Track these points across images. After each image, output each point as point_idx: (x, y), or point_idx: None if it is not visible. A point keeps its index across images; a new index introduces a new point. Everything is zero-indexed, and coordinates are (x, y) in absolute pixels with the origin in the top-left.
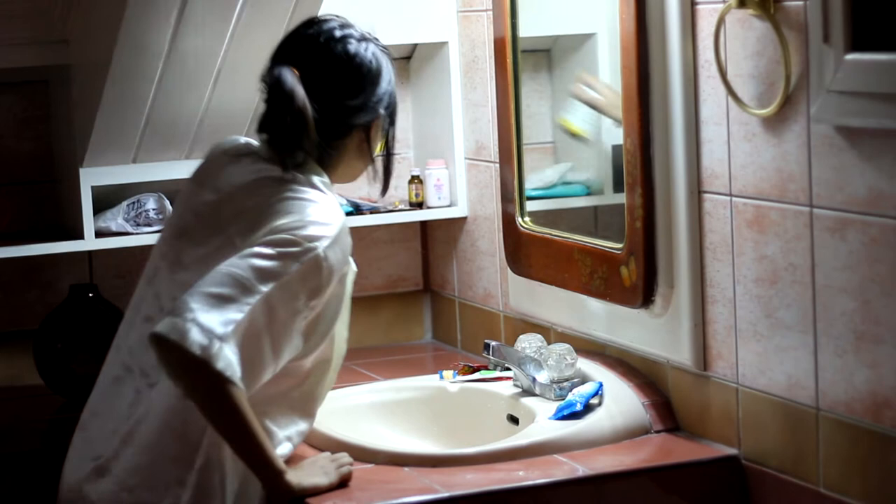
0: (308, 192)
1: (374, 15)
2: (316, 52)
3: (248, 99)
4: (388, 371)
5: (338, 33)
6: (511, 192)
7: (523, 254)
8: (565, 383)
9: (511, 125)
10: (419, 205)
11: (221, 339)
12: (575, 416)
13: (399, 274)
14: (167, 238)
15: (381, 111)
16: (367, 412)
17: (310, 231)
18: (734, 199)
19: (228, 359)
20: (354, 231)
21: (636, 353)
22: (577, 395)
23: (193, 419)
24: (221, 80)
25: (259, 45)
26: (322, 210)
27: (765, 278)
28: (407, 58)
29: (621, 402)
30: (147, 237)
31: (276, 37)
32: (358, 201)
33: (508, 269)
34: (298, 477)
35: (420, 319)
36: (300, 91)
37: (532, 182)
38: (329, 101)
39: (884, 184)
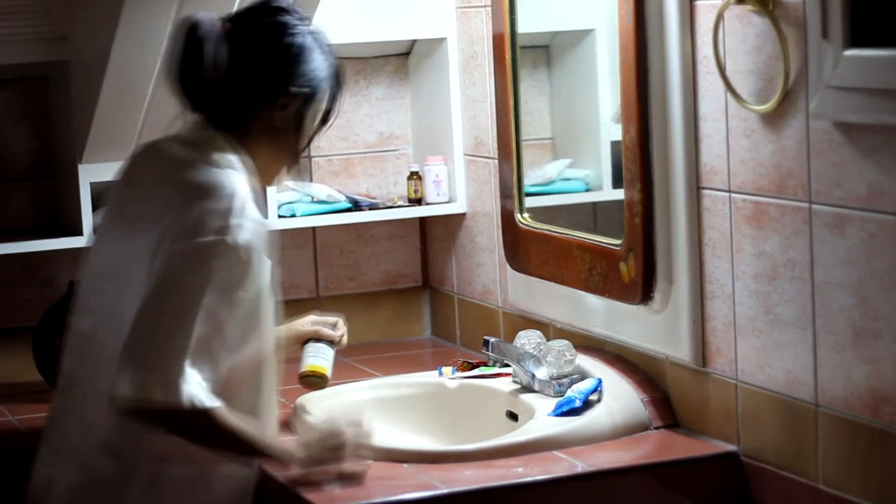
0: (212, 173)
1: (373, 11)
2: (251, 14)
3: None
4: (387, 367)
5: (282, 3)
6: (510, 189)
7: (522, 250)
8: (564, 379)
9: (510, 121)
10: (418, 201)
11: (178, 373)
12: (574, 412)
13: (398, 270)
14: (96, 240)
15: (299, 89)
16: (366, 408)
17: (219, 223)
18: (733, 195)
19: (192, 390)
20: (353, 227)
21: (635, 350)
22: (576, 391)
23: (130, 436)
24: None
25: None
26: (226, 193)
27: (764, 274)
28: (405, 54)
29: (620, 398)
30: None
31: None
32: (357, 197)
33: (507, 266)
34: (308, 461)
35: (419, 316)
36: (215, 33)
37: (531, 178)
38: (245, 57)
39: (882, 180)
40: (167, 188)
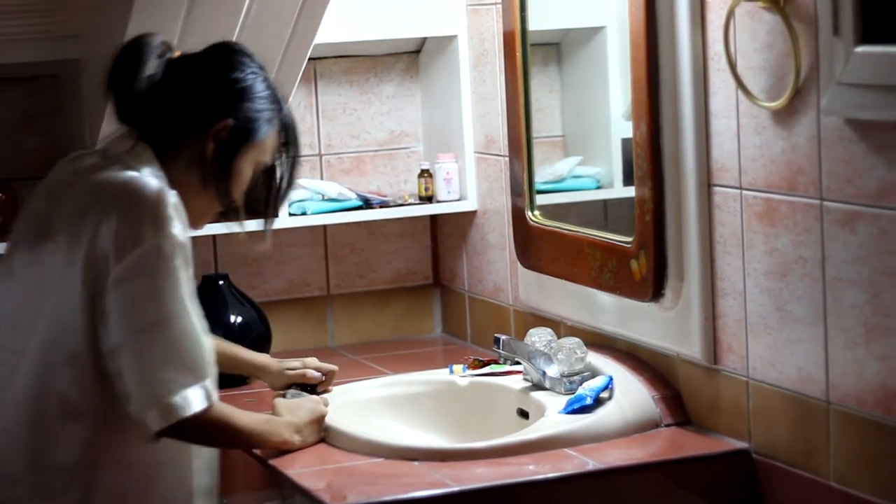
0: (126, 174)
1: (384, 8)
2: (207, 48)
3: None
4: (398, 365)
5: (243, 48)
6: (521, 186)
7: (533, 248)
8: (575, 377)
9: (520, 118)
10: (429, 199)
11: (207, 373)
12: (585, 409)
13: (409, 268)
14: (4, 257)
15: (235, 123)
16: (376, 406)
17: (148, 227)
18: (744, 192)
19: (207, 389)
20: (364, 225)
21: (646, 347)
22: (588, 388)
23: (63, 446)
24: None
25: (267, 43)
26: (141, 192)
27: (775, 271)
28: (416, 51)
29: (631, 395)
30: None
31: (283, 34)
32: (368, 195)
33: (518, 263)
34: (303, 437)
35: (430, 313)
36: (160, 50)
37: (542, 175)
38: (185, 79)
39: (894, 176)
40: (80, 191)
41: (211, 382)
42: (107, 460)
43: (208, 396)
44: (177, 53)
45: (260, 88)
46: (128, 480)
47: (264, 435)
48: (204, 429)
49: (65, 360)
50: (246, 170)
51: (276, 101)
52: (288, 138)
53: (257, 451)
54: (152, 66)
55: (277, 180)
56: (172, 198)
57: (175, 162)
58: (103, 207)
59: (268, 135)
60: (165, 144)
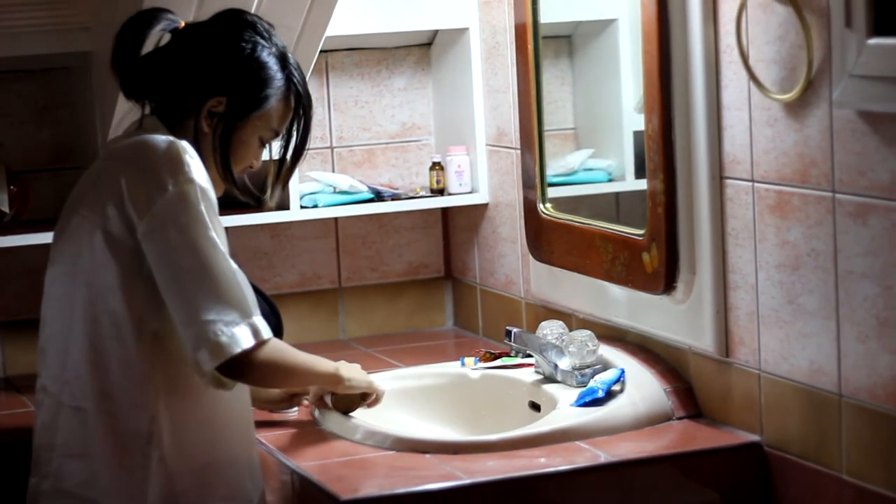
0: (131, 139)
1: (396, 1)
2: (213, 17)
3: None
4: (410, 358)
5: (249, 16)
6: (532, 179)
7: (545, 240)
8: (587, 370)
9: (532, 111)
10: (440, 191)
11: (248, 312)
12: (597, 402)
13: (420, 261)
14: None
15: (224, 98)
16: (388, 399)
17: (167, 176)
18: (756, 184)
19: (255, 326)
20: (376, 218)
21: (658, 340)
22: (599, 381)
23: (132, 412)
24: None
25: (278, 35)
26: (153, 147)
27: (787, 264)
28: (428, 44)
29: (643, 388)
30: None
31: (295, 26)
32: (379, 188)
33: (530, 256)
34: (351, 377)
35: (441, 306)
36: (164, 23)
37: (553, 168)
38: (186, 51)
39: None
40: (97, 164)
41: (259, 319)
42: (174, 421)
43: (256, 332)
44: (182, 24)
45: (264, 57)
46: (197, 441)
47: (316, 365)
48: (259, 366)
49: (109, 328)
50: (251, 142)
51: (285, 67)
52: (297, 103)
53: (267, 443)
54: (156, 38)
55: (290, 146)
56: (185, 146)
57: (181, 136)
58: (117, 169)
59: (271, 105)
60: (172, 118)
